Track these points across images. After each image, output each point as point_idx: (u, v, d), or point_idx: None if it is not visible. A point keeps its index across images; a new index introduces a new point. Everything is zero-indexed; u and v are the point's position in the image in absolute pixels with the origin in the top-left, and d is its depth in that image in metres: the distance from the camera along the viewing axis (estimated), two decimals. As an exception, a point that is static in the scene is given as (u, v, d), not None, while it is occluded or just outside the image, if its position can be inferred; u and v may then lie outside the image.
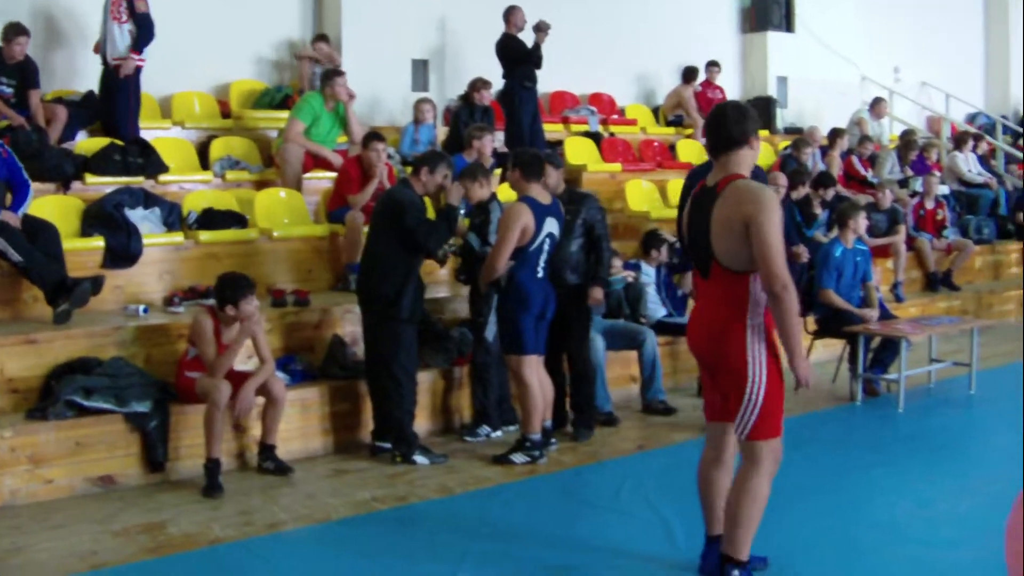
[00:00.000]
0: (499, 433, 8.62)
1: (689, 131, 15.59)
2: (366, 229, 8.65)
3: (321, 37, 12.63)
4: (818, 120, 16.68)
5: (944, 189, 15.35)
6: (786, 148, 14.51)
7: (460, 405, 8.93)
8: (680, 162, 14.70)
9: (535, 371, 7.96)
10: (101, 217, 8.99)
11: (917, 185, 14.86)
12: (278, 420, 7.67)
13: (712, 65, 16.20)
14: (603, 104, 15.52)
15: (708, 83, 16.14)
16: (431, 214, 8.33)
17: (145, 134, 10.49)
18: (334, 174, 10.62)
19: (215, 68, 12.29)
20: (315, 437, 8.22)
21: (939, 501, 7.14)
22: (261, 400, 7.64)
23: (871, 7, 18.63)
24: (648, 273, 10.35)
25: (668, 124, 15.96)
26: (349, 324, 8.86)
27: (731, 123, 5.27)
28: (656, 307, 10.27)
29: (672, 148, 15.14)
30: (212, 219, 9.63)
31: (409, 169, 9.09)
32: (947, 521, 6.74)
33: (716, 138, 5.34)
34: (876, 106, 17.32)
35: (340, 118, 10.93)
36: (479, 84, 12.31)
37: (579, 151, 13.85)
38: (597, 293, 8.63)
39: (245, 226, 9.78)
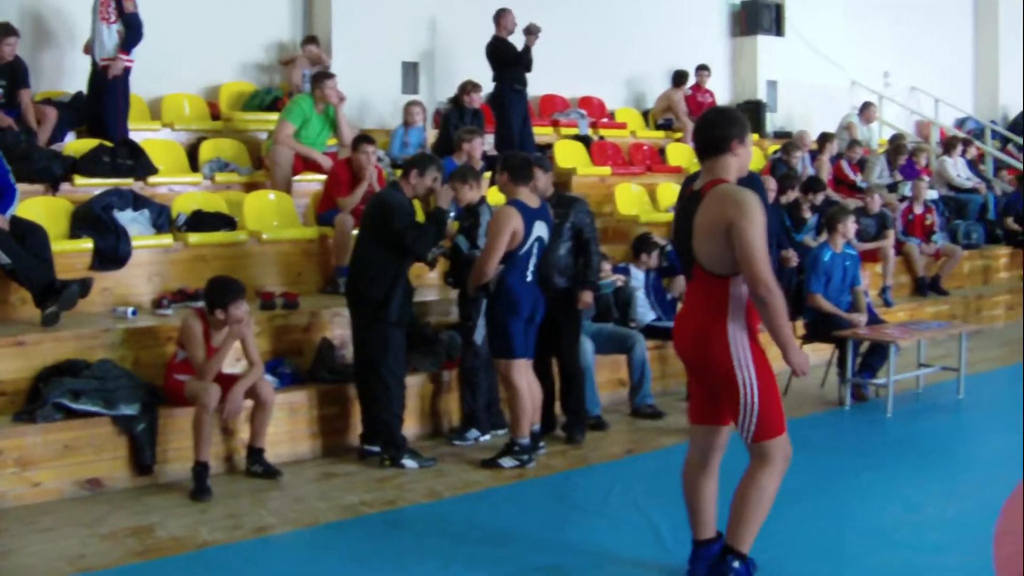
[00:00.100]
0: (488, 437, 8.61)
1: (678, 135, 15.61)
2: (356, 232, 8.64)
3: (311, 39, 12.61)
4: (807, 124, 16.72)
5: (933, 194, 15.37)
6: (776, 152, 14.54)
7: (449, 409, 8.92)
8: (669, 166, 14.73)
9: (524, 375, 7.95)
10: (90, 219, 8.97)
11: (906, 190, 14.90)
12: (266, 423, 7.66)
13: (702, 69, 16.23)
14: (593, 107, 15.54)
15: (698, 87, 16.17)
16: (420, 217, 8.32)
17: (134, 136, 10.47)
18: (324, 176, 10.62)
19: (205, 70, 12.27)
20: (303, 440, 8.21)
21: (927, 506, 7.15)
22: (249, 403, 7.62)
23: (861, 12, 18.67)
24: (637, 277, 10.36)
25: (658, 128, 15.98)
26: (338, 327, 8.85)
27: (714, 128, 5.33)
28: (645, 311, 10.27)
29: (662, 152, 15.16)
30: (201, 221, 9.61)
31: (399, 172, 9.09)
32: (935, 526, 6.75)
33: (700, 143, 5.40)
34: (865, 110, 17.36)
35: (330, 120, 10.92)
36: (469, 87, 12.31)
37: (569, 154, 13.86)
38: (587, 297, 8.65)
39: (234, 228, 9.76)
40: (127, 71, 10.32)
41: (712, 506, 5.64)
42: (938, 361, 10.94)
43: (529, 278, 7.94)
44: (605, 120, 15.49)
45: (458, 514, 6.99)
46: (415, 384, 8.61)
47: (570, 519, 6.93)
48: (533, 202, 7.94)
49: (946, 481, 7.76)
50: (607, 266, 9.77)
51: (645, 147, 15.01)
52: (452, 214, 8.71)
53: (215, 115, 12.07)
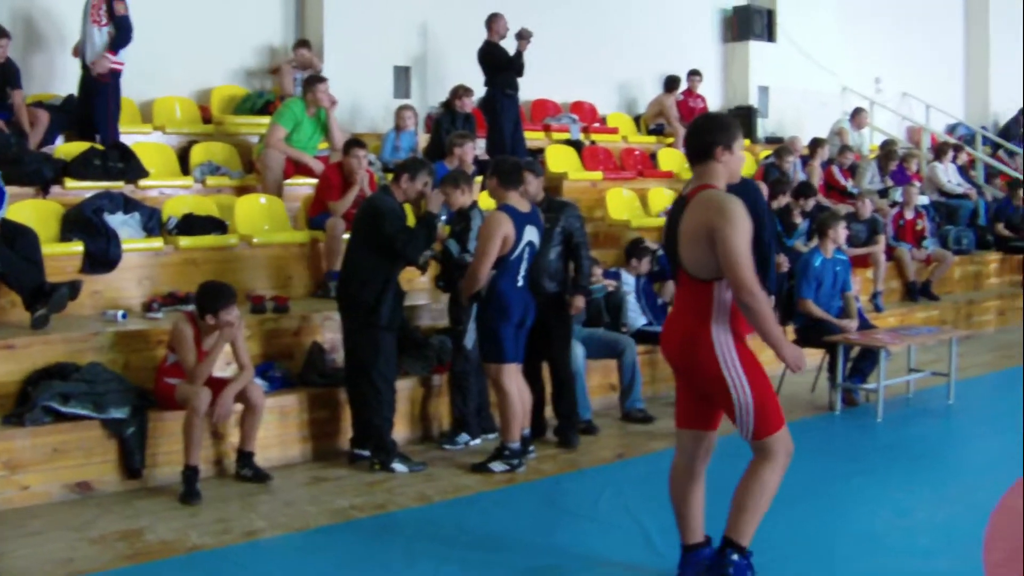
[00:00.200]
0: (478, 441, 8.61)
1: (670, 140, 15.63)
2: (347, 236, 8.64)
3: (303, 43, 12.61)
4: (799, 130, 16.76)
5: (924, 199, 15.41)
6: (767, 157, 14.55)
7: (439, 413, 8.91)
8: (661, 171, 14.76)
9: (514, 379, 7.95)
10: (80, 222, 8.95)
11: (897, 195, 14.93)
12: (256, 427, 7.65)
13: (694, 74, 16.25)
14: (584, 112, 15.55)
15: (689, 92, 16.19)
16: (411, 221, 8.32)
17: (126, 139, 10.45)
18: (315, 180, 10.61)
19: (196, 73, 12.27)
20: (293, 444, 8.19)
21: (917, 510, 7.15)
22: (239, 407, 7.61)
23: (852, 18, 18.70)
24: (628, 282, 10.36)
25: (649, 133, 16.00)
26: (329, 331, 8.84)
27: (701, 135, 5.39)
28: (636, 316, 10.28)
29: (653, 157, 15.17)
30: (192, 225, 9.60)
31: (390, 176, 9.08)
32: (925, 530, 6.76)
33: (689, 149, 5.46)
34: (857, 116, 17.40)
35: (321, 124, 10.91)
36: (461, 91, 12.31)
37: (560, 159, 13.86)
38: (579, 302, 8.66)
39: (225, 232, 9.75)
40: (118, 74, 10.30)
41: (700, 511, 5.64)
42: (928, 366, 10.96)
43: (520, 283, 7.94)
44: (597, 125, 15.50)
45: (448, 518, 6.98)
46: (405, 388, 8.61)
47: (560, 523, 6.93)
48: (523, 207, 7.94)
49: (936, 486, 7.77)
50: (597, 271, 9.79)
51: (636, 152, 15.01)
52: (443, 218, 8.71)
53: (206, 118, 12.06)
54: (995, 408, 10.60)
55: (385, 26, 13.34)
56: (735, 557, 5.41)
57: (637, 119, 16.38)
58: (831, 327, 10.01)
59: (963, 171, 17.59)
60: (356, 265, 7.96)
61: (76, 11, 10.44)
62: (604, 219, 13.03)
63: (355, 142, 10.15)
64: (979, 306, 14.74)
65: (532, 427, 8.41)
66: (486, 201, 8.89)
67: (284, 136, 10.65)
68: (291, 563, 6.26)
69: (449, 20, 13.85)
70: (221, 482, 7.61)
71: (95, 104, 10.27)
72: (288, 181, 10.81)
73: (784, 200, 12.28)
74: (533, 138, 13.89)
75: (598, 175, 13.83)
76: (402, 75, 13.77)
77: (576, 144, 14.44)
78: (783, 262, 10.77)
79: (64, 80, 10.95)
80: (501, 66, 12.75)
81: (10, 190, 8.47)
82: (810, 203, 12.73)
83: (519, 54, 12.77)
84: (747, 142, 15.95)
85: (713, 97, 17.11)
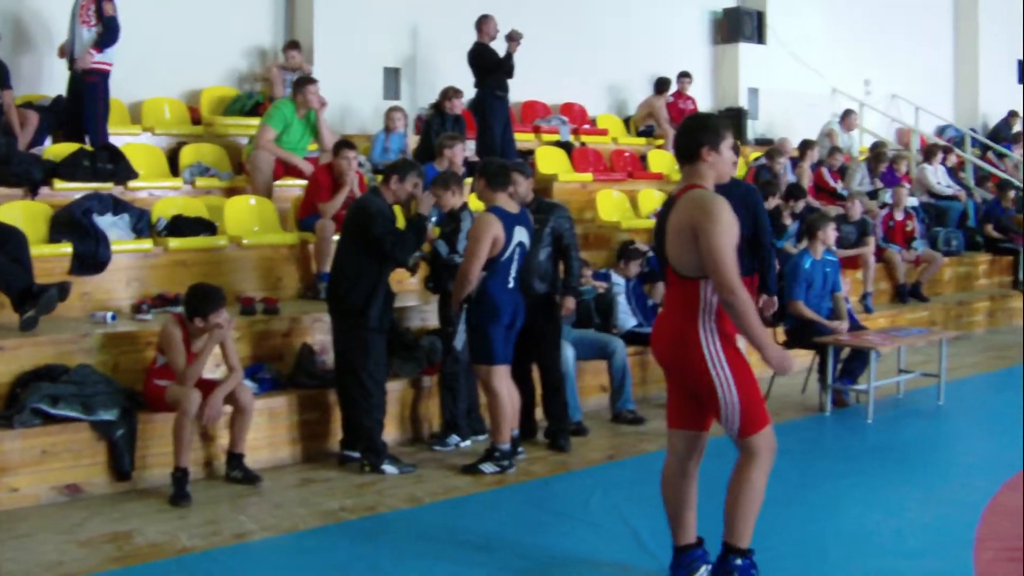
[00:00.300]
0: (468, 443, 8.60)
1: (660, 142, 15.63)
2: (337, 237, 8.62)
3: (293, 44, 12.59)
4: (788, 132, 16.79)
5: (913, 201, 15.45)
6: (758, 159, 14.56)
7: (429, 414, 8.90)
8: (651, 172, 14.78)
9: (504, 381, 7.94)
10: (69, 223, 8.92)
11: (887, 197, 14.97)
12: (246, 429, 7.63)
13: (684, 76, 16.25)
14: (574, 114, 15.55)
15: (679, 94, 16.18)
16: (401, 222, 8.31)
17: (115, 140, 10.42)
18: (304, 182, 10.59)
19: (186, 74, 12.26)
20: (283, 446, 8.18)
21: (908, 511, 7.16)
22: (229, 409, 7.59)
23: (842, 20, 18.75)
24: (618, 283, 10.36)
25: (639, 134, 16.00)
26: (319, 332, 8.82)
27: (687, 136, 5.45)
28: (627, 317, 10.28)
29: (643, 158, 15.18)
30: (181, 226, 9.57)
31: (379, 177, 9.07)
32: (915, 531, 6.76)
33: (677, 150, 5.57)
34: (846, 118, 17.43)
35: (311, 125, 10.88)
36: (451, 93, 12.30)
37: (550, 161, 13.85)
38: (569, 303, 8.67)
39: (214, 233, 9.73)
40: (106, 75, 10.28)
41: (692, 511, 5.64)
42: (918, 367, 10.98)
43: (511, 284, 7.94)
44: (587, 127, 15.51)
45: (439, 520, 6.97)
46: (395, 390, 8.59)
47: (551, 525, 6.91)
48: (512, 208, 7.93)
49: (926, 486, 7.78)
50: (587, 272, 9.79)
51: (626, 154, 15.01)
52: (433, 219, 8.70)
53: (196, 120, 12.04)
54: (985, 409, 10.63)
55: (375, 27, 13.34)
56: (738, 561, 5.43)
57: (627, 121, 16.39)
58: (821, 328, 10.02)
59: (952, 173, 17.65)
60: (346, 267, 7.95)
61: (65, 12, 10.41)
62: (594, 220, 13.03)
63: (345, 143, 10.13)
64: (969, 307, 14.78)
65: (523, 429, 8.40)
66: (476, 203, 8.88)
67: (274, 137, 10.63)
68: (281, 565, 6.25)
69: (439, 22, 13.86)
70: (211, 484, 7.59)
71: (83, 105, 10.24)
72: (278, 182, 10.79)
73: (774, 202, 12.29)
74: (523, 140, 13.88)
75: (588, 177, 13.83)
76: (392, 76, 13.77)
77: (566, 146, 14.43)
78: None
79: (53, 81, 10.92)
80: (491, 68, 12.75)
81: (-2, 192, 8.44)
82: (800, 205, 12.76)
83: (509, 56, 12.77)
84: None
85: (703, 99, 17.12)
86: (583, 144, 14.78)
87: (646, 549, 6.31)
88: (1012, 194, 16.73)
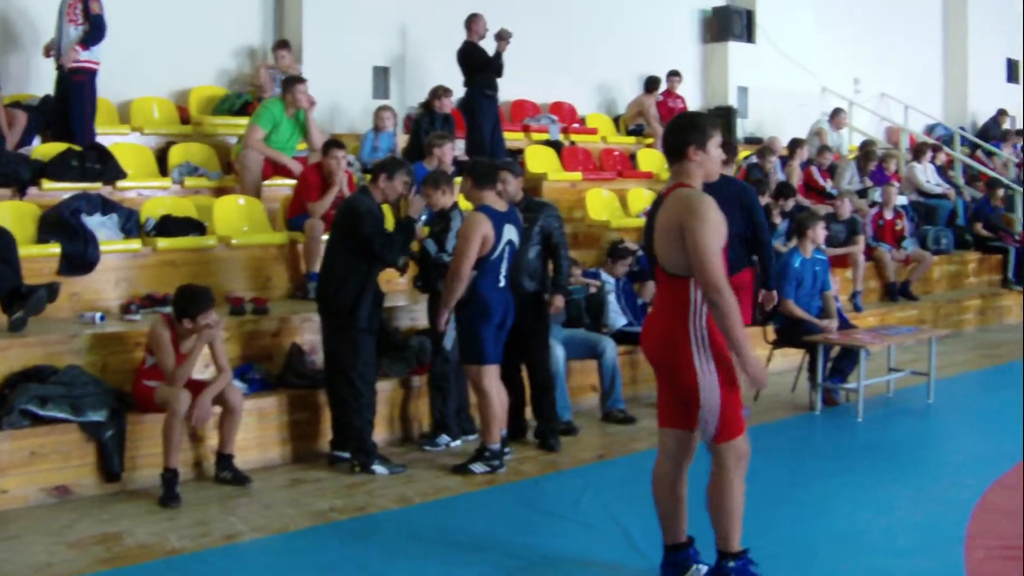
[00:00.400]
0: (458, 443, 8.59)
1: (649, 140, 15.63)
2: (326, 237, 8.61)
3: (282, 43, 12.56)
4: (778, 130, 16.80)
5: (903, 199, 15.46)
6: (748, 157, 14.55)
7: (419, 414, 8.88)
8: (640, 171, 14.77)
9: (495, 381, 7.93)
10: (58, 223, 8.90)
11: (876, 195, 14.99)
12: (235, 429, 7.61)
13: (673, 75, 16.25)
14: (564, 113, 15.54)
15: (669, 93, 16.19)
16: (390, 221, 8.29)
17: (103, 140, 10.39)
18: (294, 181, 10.57)
19: (175, 74, 12.21)
20: (273, 446, 8.16)
21: (898, 509, 7.16)
22: (218, 409, 7.57)
23: (831, 19, 18.76)
24: (608, 282, 10.36)
25: (629, 133, 16.00)
26: (308, 332, 8.80)
27: (674, 134, 5.47)
28: (617, 316, 10.27)
29: (632, 157, 15.18)
30: (170, 226, 9.54)
31: (369, 177, 9.06)
32: (906, 529, 6.76)
33: (665, 148, 5.59)
34: (836, 117, 17.45)
35: (300, 125, 10.85)
36: (440, 92, 12.29)
37: (540, 160, 13.85)
38: (558, 301, 8.67)
39: (203, 233, 9.71)
40: (93, 74, 10.24)
41: (683, 510, 5.64)
42: (908, 365, 10.99)
43: (502, 283, 7.93)
44: (576, 125, 15.49)
45: (429, 520, 6.96)
46: (385, 390, 8.57)
47: (541, 524, 6.91)
48: (501, 206, 7.93)
49: (917, 484, 7.78)
50: (576, 271, 9.78)
51: (616, 153, 15.01)
52: (423, 218, 8.68)
53: (185, 119, 12.00)
54: (975, 407, 10.65)
55: (364, 27, 13.31)
56: (731, 564, 5.45)
57: (616, 120, 16.39)
58: (811, 327, 10.02)
59: (941, 171, 17.68)
60: (335, 266, 7.94)
61: (53, 11, 10.36)
62: (584, 220, 13.03)
63: (334, 143, 10.12)
64: (958, 305, 14.81)
65: (512, 428, 8.40)
66: (467, 202, 8.86)
67: (263, 137, 10.60)
68: (271, 566, 6.24)
69: (428, 21, 13.84)
70: (200, 485, 7.57)
71: (70, 104, 10.21)
72: (267, 182, 10.76)
73: (764, 200, 12.28)
74: (512, 139, 13.86)
75: (578, 176, 13.83)
76: (381, 76, 13.75)
77: (556, 145, 14.42)
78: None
79: (41, 80, 10.87)
80: (480, 67, 12.74)
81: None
82: (789, 203, 12.76)
83: (498, 55, 12.77)
84: (726, 142, 15.94)
85: (693, 98, 17.13)
86: (572, 143, 14.79)
87: (637, 548, 6.31)
88: (1001, 192, 16.78)
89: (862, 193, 15.24)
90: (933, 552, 6.32)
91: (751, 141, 16.75)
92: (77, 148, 9.89)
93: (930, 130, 20.51)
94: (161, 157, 11.09)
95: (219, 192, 10.72)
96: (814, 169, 15.32)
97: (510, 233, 7.91)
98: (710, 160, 5.39)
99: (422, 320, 9.14)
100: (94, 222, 9.09)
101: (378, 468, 7.85)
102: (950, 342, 13.06)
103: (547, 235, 8.58)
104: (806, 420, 9.76)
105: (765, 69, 17.69)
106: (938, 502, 7.28)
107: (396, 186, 8.04)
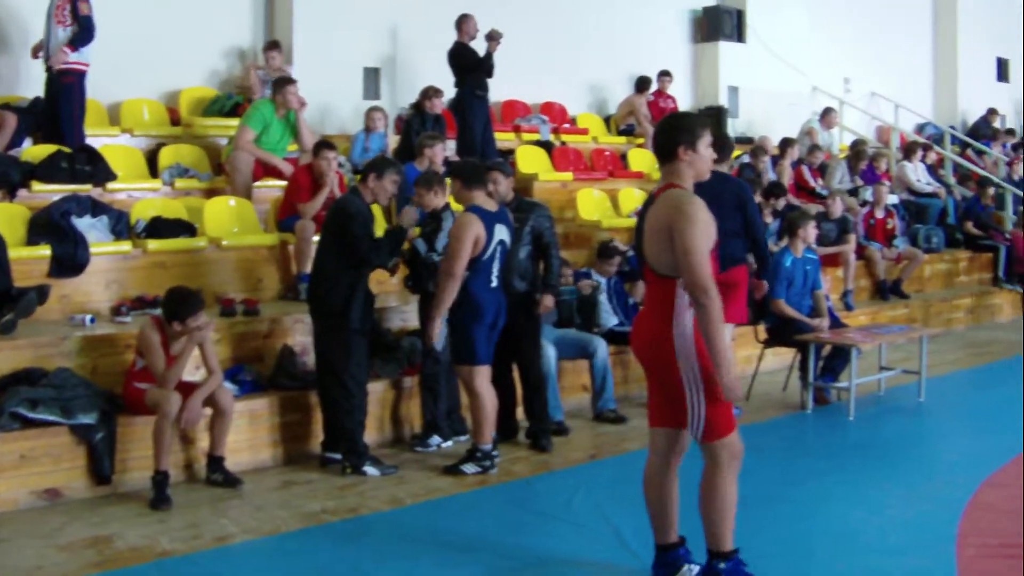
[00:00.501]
0: (450, 443, 8.58)
1: (640, 141, 15.62)
2: (317, 238, 8.59)
3: (273, 44, 12.54)
4: (769, 130, 16.79)
5: (893, 198, 15.48)
6: (739, 156, 14.56)
7: (410, 416, 8.87)
8: (631, 171, 14.76)
9: (486, 381, 7.93)
10: (48, 225, 8.87)
11: (867, 194, 15.00)
12: (226, 431, 7.59)
13: (664, 75, 16.26)
14: (555, 113, 15.53)
15: (660, 93, 16.19)
16: (380, 221, 8.28)
17: (93, 141, 10.36)
18: (284, 182, 10.55)
19: (165, 75, 12.18)
20: (264, 448, 8.14)
21: (890, 508, 7.17)
22: (209, 411, 7.56)
23: (822, 19, 18.77)
24: (599, 281, 10.35)
25: (619, 133, 15.99)
26: (299, 334, 8.79)
27: (664, 135, 5.49)
28: (608, 316, 10.27)
29: (623, 157, 15.17)
30: (160, 228, 9.53)
31: (359, 177, 9.05)
32: (897, 528, 6.77)
33: (655, 150, 5.60)
34: (826, 116, 17.46)
35: (291, 126, 10.84)
36: (431, 92, 12.27)
37: (530, 160, 13.84)
38: (548, 301, 8.66)
39: (194, 235, 9.69)
40: (83, 75, 10.21)
41: (674, 510, 5.64)
42: (899, 364, 11.00)
43: (494, 283, 7.92)
44: (567, 126, 15.48)
45: (421, 521, 6.96)
46: (376, 391, 8.57)
47: (533, 525, 6.91)
48: (491, 206, 7.93)
49: (908, 483, 7.79)
50: (567, 272, 9.78)
51: (607, 153, 15.01)
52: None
53: (175, 121, 11.98)
54: (966, 405, 10.67)
55: (355, 27, 13.29)
56: (722, 565, 5.46)
57: (607, 120, 16.39)
58: (802, 326, 10.03)
59: (932, 170, 17.72)
60: (326, 268, 7.93)
61: (43, 12, 10.33)
62: (575, 220, 13.02)
63: (325, 144, 10.10)
64: (949, 304, 14.84)
65: (503, 429, 8.40)
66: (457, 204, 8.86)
67: (253, 138, 10.58)
68: (262, 568, 6.23)
69: (419, 21, 13.82)
70: (191, 487, 7.56)
71: (59, 106, 10.18)
72: (257, 183, 10.73)
73: (756, 200, 12.29)
74: (503, 139, 13.86)
75: (568, 176, 13.83)
76: (372, 76, 13.74)
77: (546, 145, 14.42)
78: (753, 262, 10.77)
79: (31, 82, 10.84)
80: (471, 67, 12.74)
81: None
82: (780, 203, 12.78)
83: (489, 55, 12.76)
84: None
85: (683, 97, 17.14)
86: (563, 143, 14.78)
87: (628, 548, 6.31)
88: (992, 191, 16.81)
89: (853, 192, 15.26)
90: (925, 550, 6.32)
91: (741, 141, 16.71)
92: (67, 150, 9.87)
93: (920, 129, 20.55)
94: (151, 159, 11.06)
95: (210, 193, 10.69)
96: (805, 168, 15.34)
97: (501, 233, 7.91)
98: (700, 160, 5.39)
99: (413, 321, 9.13)
100: (84, 224, 9.07)
101: (369, 469, 7.84)
102: (941, 340, 13.08)
103: (538, 235, 8.58)
104: (797, 419, 9.77)
105: (755, 69, 17.70)
106: (930, 500, 7.29)
107: (386, 186, 8.03)
